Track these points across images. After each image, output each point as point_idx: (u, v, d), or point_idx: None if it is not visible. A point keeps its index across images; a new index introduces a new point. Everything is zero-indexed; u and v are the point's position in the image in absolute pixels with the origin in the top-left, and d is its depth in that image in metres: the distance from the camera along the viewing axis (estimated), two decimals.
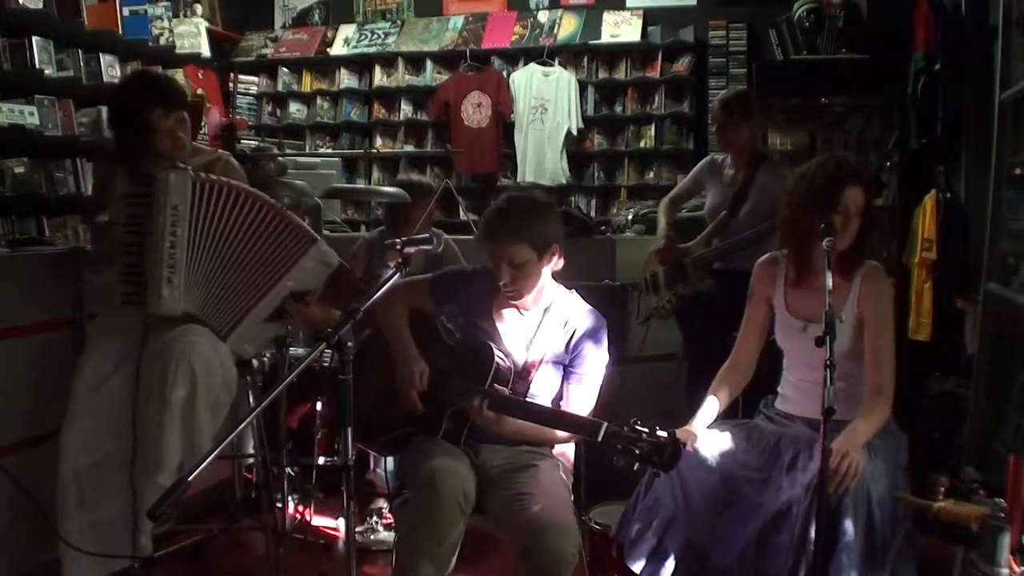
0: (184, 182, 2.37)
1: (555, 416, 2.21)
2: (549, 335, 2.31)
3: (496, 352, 2.23)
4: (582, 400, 2.32)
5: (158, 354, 2.34)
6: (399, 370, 2.31)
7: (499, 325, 2.34)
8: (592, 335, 2.32)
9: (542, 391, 2.32)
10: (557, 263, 2.28)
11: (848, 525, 1.94)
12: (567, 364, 2.32)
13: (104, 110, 4.40)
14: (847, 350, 2.22)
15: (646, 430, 1.94)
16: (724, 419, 2.34)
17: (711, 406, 2.31)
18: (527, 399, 2.27)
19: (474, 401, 2.14)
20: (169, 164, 2.41)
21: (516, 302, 2.29)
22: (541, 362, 2.30)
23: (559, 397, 2.35)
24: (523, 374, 2.27)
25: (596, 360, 2.32)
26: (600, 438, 2.00)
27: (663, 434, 1.94)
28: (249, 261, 2.46)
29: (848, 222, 2.18)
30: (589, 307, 2.37)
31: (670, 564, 2.10)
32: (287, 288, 2.49)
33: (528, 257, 2.19)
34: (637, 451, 1.93)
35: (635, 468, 1.96)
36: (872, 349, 2.20)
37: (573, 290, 2.39)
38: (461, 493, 2.07)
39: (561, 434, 2.27)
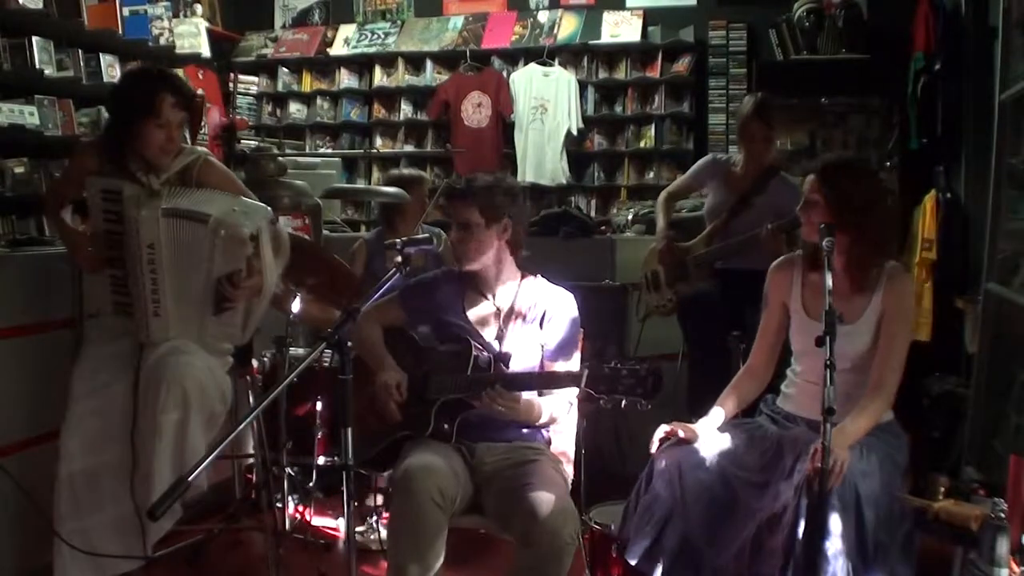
0: (155, 220, 2.35)
1: (540, 379, 2.29)
2: (521, 319, 2.36)
3: (473, 343, 2.27)
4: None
5: (153, 373, 2.33)
6: (377, 381, 2.31)
7: (472, 320, 2.38)
8: (562, 311, 2.37)
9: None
10: (507, 235, 2.34)
11: (833, 523, 1.93)
12: (544, 344, 2.35)
13: (105, 110, 4.40)
14: (865, 351, 2.20)
15: (624, 366, 2.00)
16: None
17: (715, 416, 2.30)
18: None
19: (484, 393, 2.15)
20: (138, 185, 2.38)
21: (469, 267, 2.34)
22: (518, 347, 2.32)
23: None
24: (502, 361, 2.29)
25: (571, 335, 2.36)
26: (583, 384, 2.06)
27: (640, 366, 2.00)
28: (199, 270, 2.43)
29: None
30: (556, 286, 2.42)
31: (666, 560, 2.10)
32: (212, 276, 2.42)
33: (476, 221, 2.29)
34: (620, 387, 1.99)
35: (623, 405, 2.01)
36: (885, 344, 2.18)
37: (538, 275, 2.44)
38: (436, 490, 2.07)
39: (547, 408, 2.30)
